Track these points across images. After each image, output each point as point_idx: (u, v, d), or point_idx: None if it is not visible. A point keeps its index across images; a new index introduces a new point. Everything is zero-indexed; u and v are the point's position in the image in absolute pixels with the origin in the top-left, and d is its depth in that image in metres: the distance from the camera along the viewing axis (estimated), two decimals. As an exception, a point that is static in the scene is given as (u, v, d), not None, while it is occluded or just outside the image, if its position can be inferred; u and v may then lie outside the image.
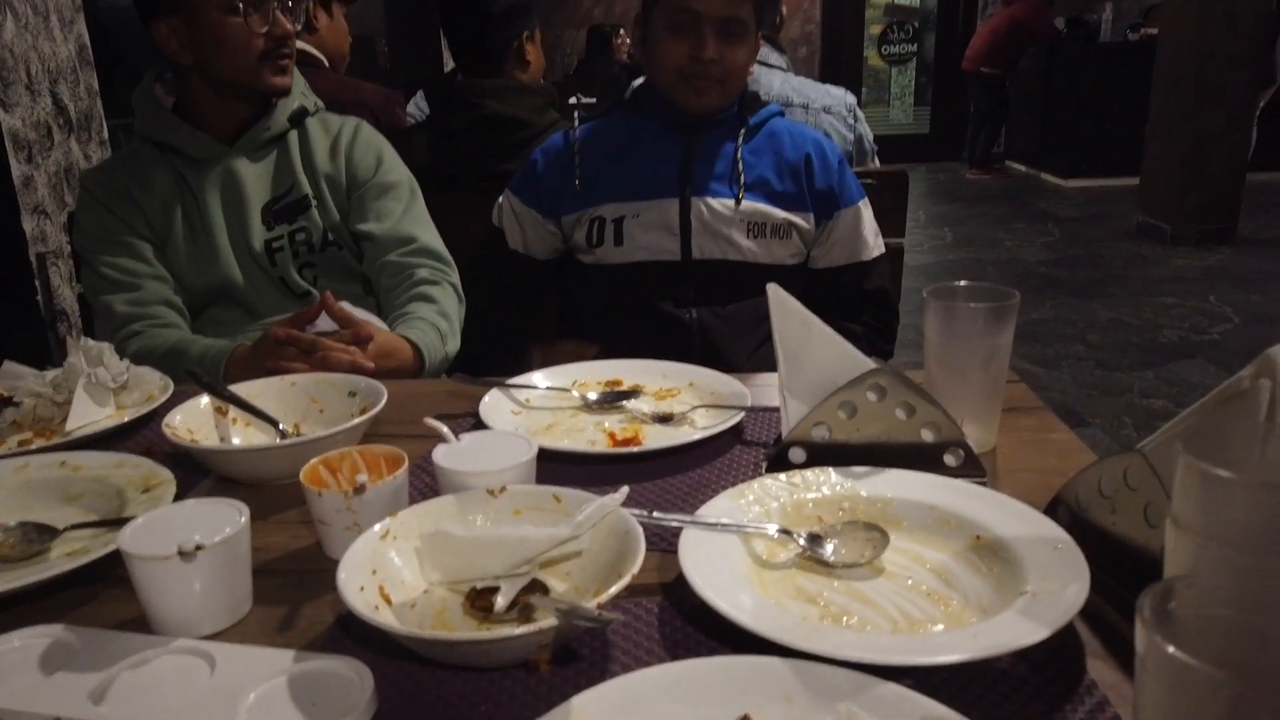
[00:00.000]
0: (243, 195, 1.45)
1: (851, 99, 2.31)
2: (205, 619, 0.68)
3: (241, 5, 1.37)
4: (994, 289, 0.95)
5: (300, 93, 1.53)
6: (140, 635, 0.67)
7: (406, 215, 1.53)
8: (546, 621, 0.60)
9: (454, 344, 1.47)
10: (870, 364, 0.89)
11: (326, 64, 2.23)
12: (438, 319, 1.44)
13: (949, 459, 0.87)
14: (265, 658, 0.63)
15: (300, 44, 2.16)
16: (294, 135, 1.51)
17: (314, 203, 1.49)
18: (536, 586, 0.69)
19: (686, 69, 1.48)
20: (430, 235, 1.55)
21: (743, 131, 1.56)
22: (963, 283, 0.96)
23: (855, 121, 2.31)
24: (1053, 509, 0.78)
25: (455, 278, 1.55)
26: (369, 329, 1.25)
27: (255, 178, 1.47)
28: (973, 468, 0.86)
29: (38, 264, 1.89)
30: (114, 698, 0.59)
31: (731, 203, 1.52)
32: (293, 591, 0.74)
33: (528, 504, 0.77)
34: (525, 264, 1.63)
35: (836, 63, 8.93)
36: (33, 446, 1.01)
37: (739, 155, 1.54)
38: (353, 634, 0.67)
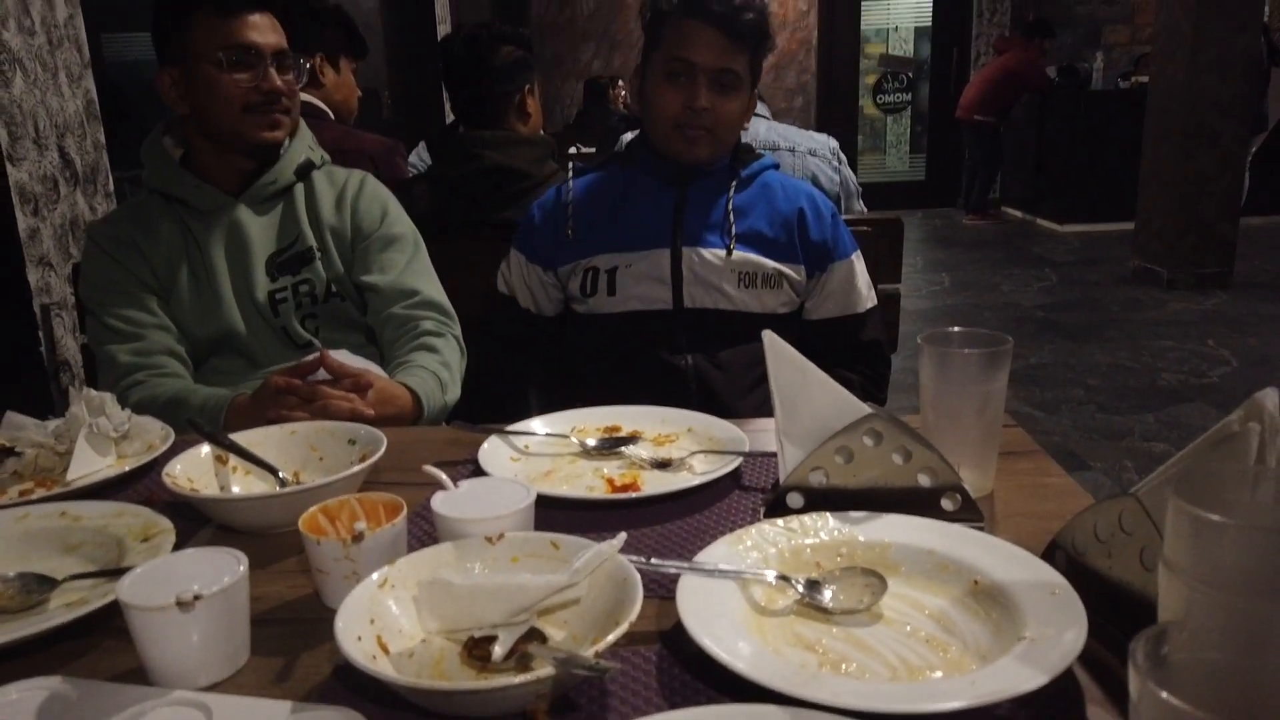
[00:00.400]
0: (247, 247, 1.47)
1: (835, 143, 2.36)
2: (203, 670, 0.68)
3: (232, 59, 1.40)
4: (988, 335, 0.96)
5: (307, 146, 1.56)
6: (138, 687, 0.66)
7: (410, 268, 1.55)
8: (544, 670, 0.60)
9: (454, 393, 1.48)
10: (866, 409, 0.89)
11: (332, 117, 2.27)
12: (439, 368, 1.45)
13: (946, 503, 0.87)
14: (262, 709, 0.63)
15: (307, 97, 2.21)
16: (300, 188, 1.53)
17: (318, 255, 1.51)
18: (534, 635, 0.69)
19: (680, 118, 1.50)
20: (434, 288, 1.57)
21: (734, 183, 1.58)
22: (956, 329, 0.97)
23: (840, 164, 2.36)
24: (1050, 554, 0.78)
25: (457, 330, 1.57)
26: (368, 376, 1.27)
27: (260, 229, 1.49)
28: (970, 512, 0.87)
29: (41, 315, 1.90)
30: (110, 750, 0.59)
31: (722, 253, 1.53)
32: (290, 641, 0.73)
33: (526, 551, 0.77)
34: (535, 321, 1.65)
35: (832, 112, 9.06)
36: (34, 496, 1.01)
37: (730, 206, 1.56)
38: (350, 684, 0.67)
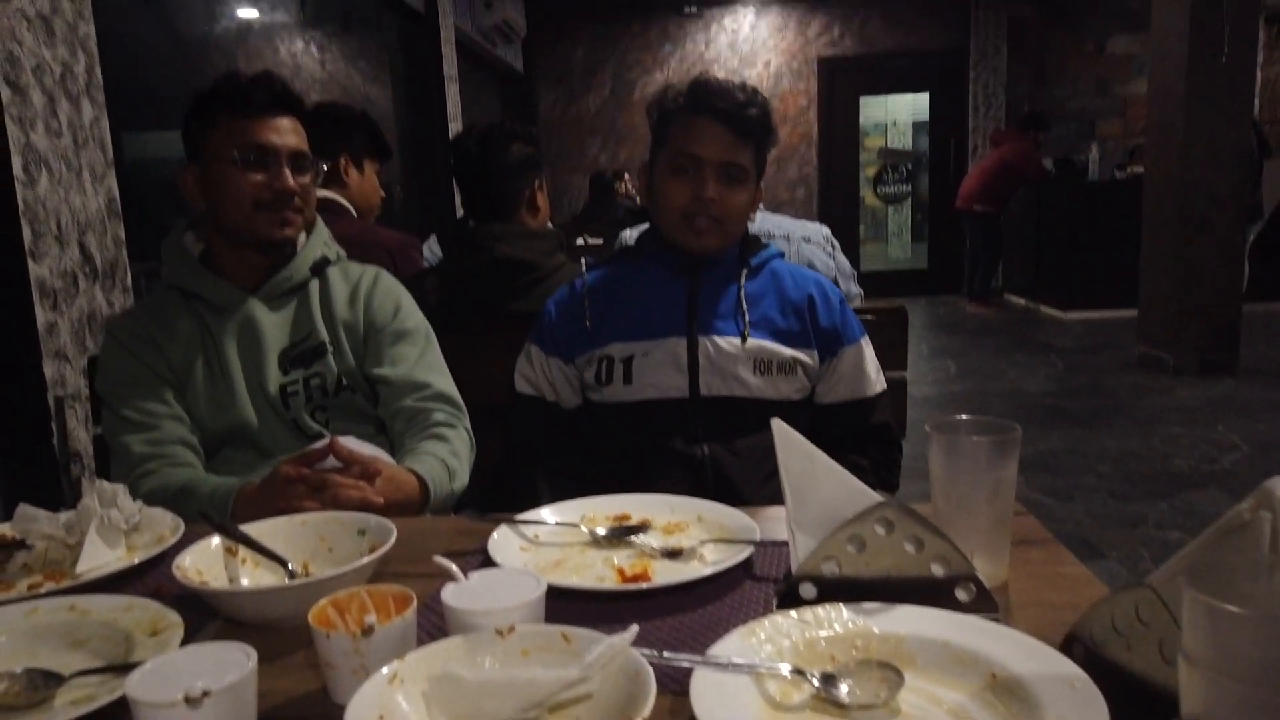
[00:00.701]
0: (261, 341, 1.50)
1: (827, 230, 2.44)
2: (209, 768, 0.67)
3: (248, 159, 1.45)
4: (995, 422, 0.97)
5: (323, 243, 1.60)
6: (142, 786, 0.65)
7: (421, 361, 1.57)
8: (556, 768, 0.59)
9: (461, 481, 1.48)
10: (876, 497, 0.89)
11: (355, 214, 2.35)
12: (448, 456, 1.46)
13: (960, 594, 0.86)
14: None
15: (332, 194, 2.29)
16: (315, 284, 1.57)
17: (330, 349, 1.53)
18: (546, 731, 0.68)
19: (688, 209, 1.54)
20: (445, 381, 1.59)
21: (744, 271, 1.61)
22: (964, 417, 0.98)
23: (834, 250, 2.42)
24: (1068, 646, 0.77)
25: (467, 422, 1.59)
26: (377, 463, 1.27)
27: (274, 325, 1.52)
28: (985, 603, 0.86)
29: (55, 407, 1.92)
30: None
31: (738, 340, 1.56)
32: (298, 739, 0.72)
33: (537, 644, 0.76)
34: (560, 416, 1.66)
35: (834, 203, 9.25)
36: (42, 590, 1.01)
37: (742, 294, 1.59)
38: (358, 783, 0.66)
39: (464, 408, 1.59)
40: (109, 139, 2.17)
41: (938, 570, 0.87)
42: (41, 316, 1.89)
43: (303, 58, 4.67)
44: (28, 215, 1.86)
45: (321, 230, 1.61)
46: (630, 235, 2.19)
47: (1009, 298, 8.48)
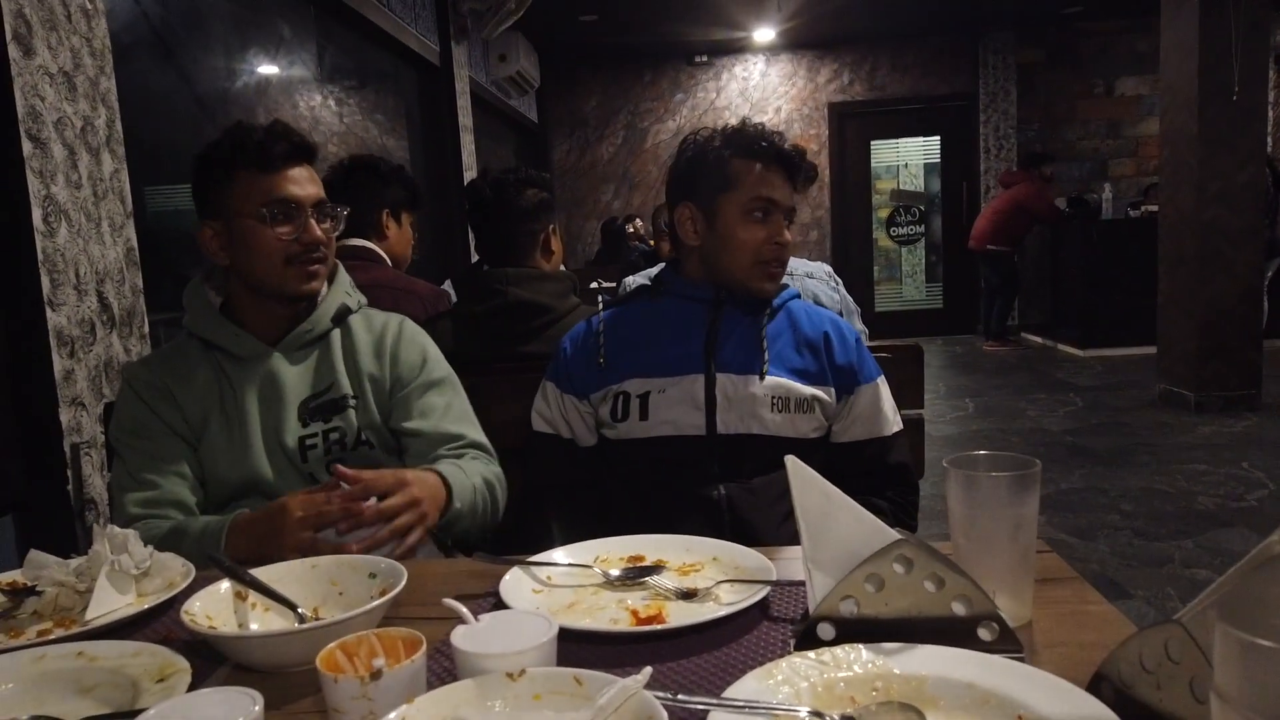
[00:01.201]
0: (281, 393, 1.48)
1: (829, 267, 2.47)
2: (212, 818, 0.65)
3: (275, 214, 1.44)
4: (1015, 458, 0.95)
5: (344, 291, 1.59)
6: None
7: (450, 413, 1.56)
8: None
9: (486, 504, 1.48)
10: (894, 535, 0.88)
11: (389, 263, 2.40)
12: (473, 475, 1.46)
13: (983, 633, 0.84)
14: None
15: (369, 244, 2.33)
16: (336, 333, 1.56)
17: (352, 403, 1.51)
18: (557, 777, 0.66)
19: (764, 253, 1.58)
20: (476, 431, 1.58)
21: (765, 311, 1.62)
22: (983, 452, 0.96)
23: (837, 285, 2.43)
24: (1095, 685, 0.75)
25: (499, 470, 1.57)
26: (385, 475, 1.28)
27: (295, 376, 1.50)
28: (1009, 642, 0.84)
29: (71, 454, 1.92)
30: None
31: (756, 378, 1.55)
32: (304, 787, 0.71)
33: (548, 688, 0.75)
34: (576, 454, 1.65)
35: (847, 245, 9.28)
36: (51, 636, 1.00)
37: (762, 333, 1.59)
38: (364, 832, 0.64)
39: (495, 456, 1.58)
40: (128, 191, 2.20)
41: (959, 609, 0.85)
42: (59, 364, 1.90)
43: (320, 110, 4.76)
44: (47, 265, 1.88)
45: (343, 278, 1.60)
46: (633, 281, 2.20)
47: (1026, 336, 8.44)
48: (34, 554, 1.12)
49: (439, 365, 1.61)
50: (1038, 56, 8.91)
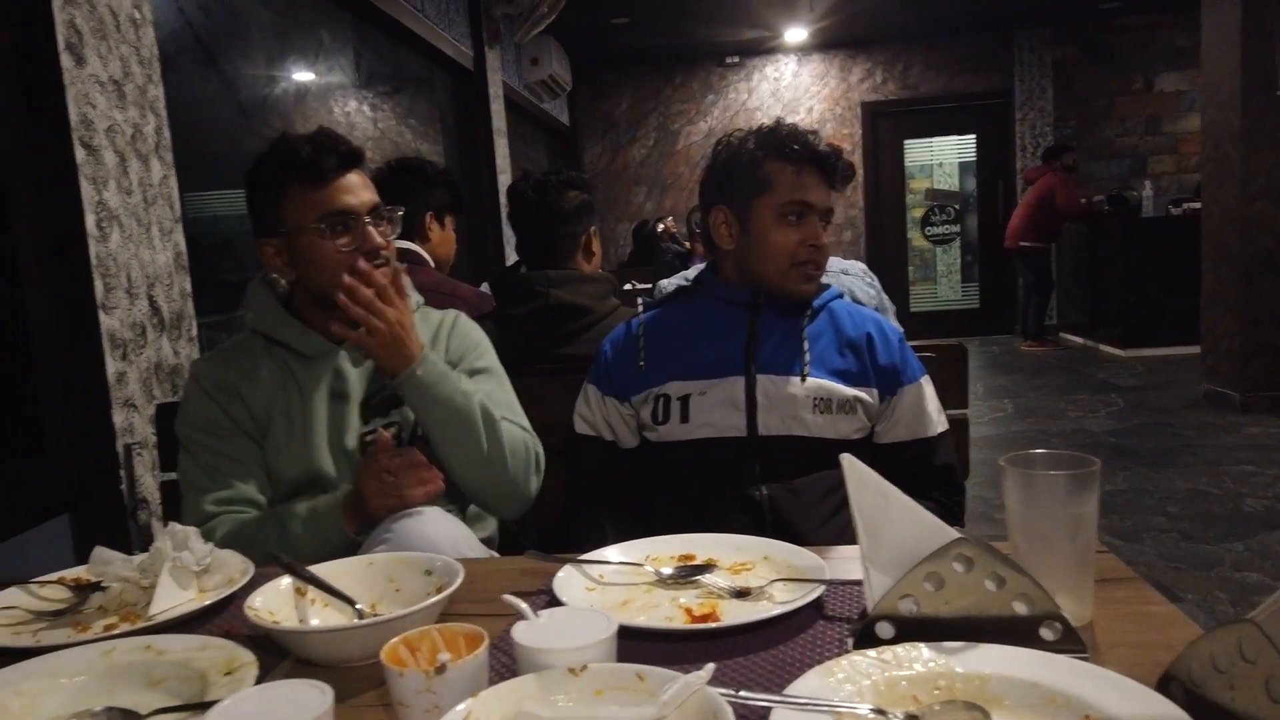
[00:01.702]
0: (345, 392, 1.50)
1: (863, 265, 2.45)
2: (285, 808, 0.66)
3: (333, 226, 1.44)
4: (1073, 456, 0.94)
5: (405, 290, 1.60)
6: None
7: (493, 398, 1.55)
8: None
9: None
10: (954, 533, 0.87)
11: (433, 265, 2.42)
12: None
13: (1046, 633, 0.83)
14: None
15: (413, 246, 2.35)
16: None
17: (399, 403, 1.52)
18: (624, 772, 0.66)
19: (798, 255, 1.57)
20: (516, 415, 1.58)
21: (806, 312, 1.61)
22: (1040, 451, 0.95)
23: (873, 280, 2.41)
24: (1164, 686, 0.74)
25: (540, 449, 1.57)
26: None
27: (357, 375, 1.52)
28: (1072, 642, 0.83)
29: (124, 454, 1.96)
30: None
31: (798, 380, 1.54)
32: (372, 779, 0.72)
33: (610, 683, 0.75)
34: (618, 456, 1.65)
35: (881, 244, 9.22)
36: (118, 630, 1.02)
37: (803, 334, 1.58)
38: (435, 824, 0.65)
39: (536, 437, 1.57)
40: (177, 196, 2.24)
41: (1020, 608, 0.84)
42: (111, 366, 1.94)
43: (355, 116, 4.81)
44: (100, 269, 1.92)
45: (404, 280, 1.61)
46: (668, 284, 2.20)
47: (1065, 336, 8.32)
48: (99, 550, 1.14)
49: (486, 355, 1.62)
50: (1074, 53, 8.80)
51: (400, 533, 1.26)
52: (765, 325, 1.59)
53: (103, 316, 1.94)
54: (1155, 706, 0.70)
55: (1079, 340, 8.08)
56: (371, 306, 1.42)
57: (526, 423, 1.59)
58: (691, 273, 2.16)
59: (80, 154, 1.89)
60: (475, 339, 1.63)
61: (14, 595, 1.15)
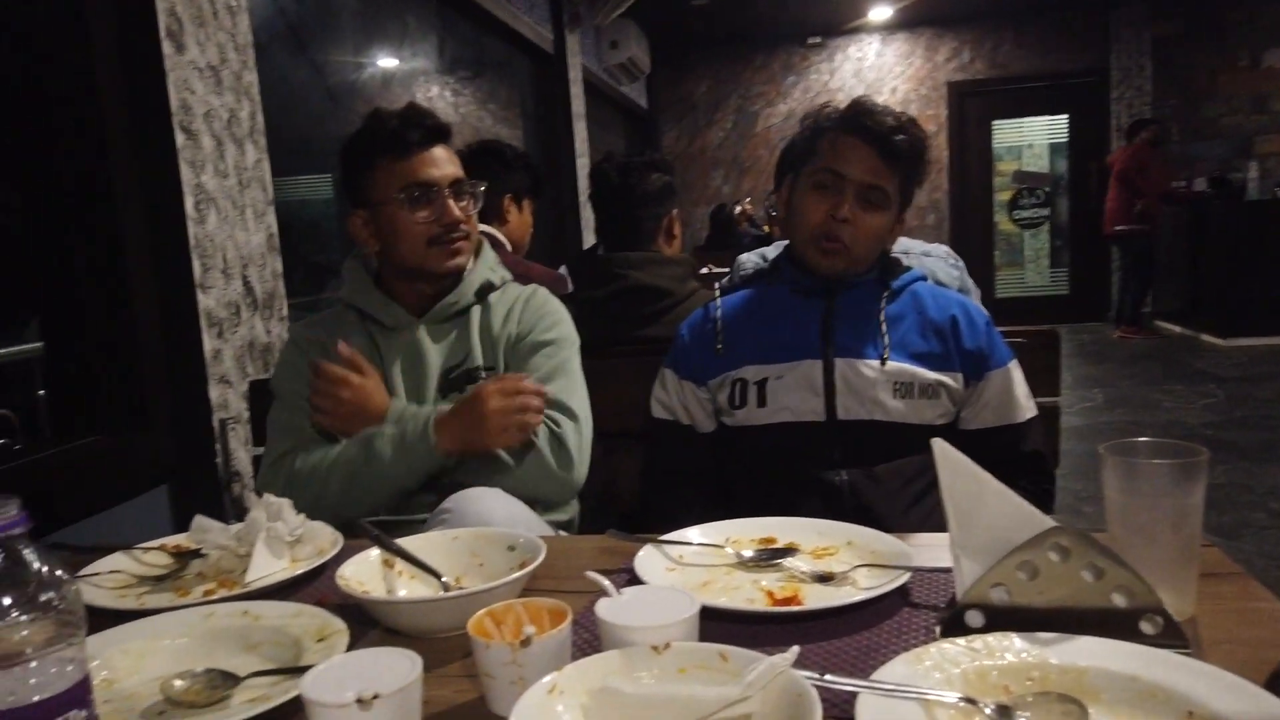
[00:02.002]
0: (423, 364, 1.54)
1: (947, 248, 2.37)
2: (376, 771, 0.68)
3: (414, 196, 1.50)
4: (1177, 445, 0.90)
5: (489, 268, 1.63)
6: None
7: (547, 370, 1.55)
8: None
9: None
10: (1049, 521, 0.84)
11: (509, 248, 2.45)
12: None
13: (1146, 626, 0.80)
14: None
15: (490, 229, 2.38)
16: (477, 309, 1.60)
17: (484, 374, 1.55)
18: (707, 750, 0.66)
19: (819, 228, 1.52)
20: (566, 389, 1.54)
21: (885, 294, 1.57)
22: (1144, 439, 0.91)
23: (957, 262, 2.34)
24: (1273, 684, 0.70)
25: (575, 430, 1.51)
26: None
27: (436, 348, 1.56)
28: (1174, 636, 0.79)
29: (220, 429, 2.04)
30: None
31: (877, 364, 1.51)
32: (458, 747, 0.73)
33: (693, 662, 0.75)
34: (696, 439, 1.65)
35: (966, 228, 8.98)
36: (216, 596, 1.06)
37: (882, 316, 1.55)
38: (520, 794, 0.65)
39: (577, 415, 1.53)
40: (269, 179, 2.31)
41: (1120, 601, 0.81)
42: (208, 344, 2.02)
43: (438, 101, 4.88)
44: (198, 250, 1.99)
45: (488, 255, 1.64)
46: (747, 259, 2.17)
47: (1161, 324, 7.99)
48: (199, 519, 1.19)
49: (556, 327, 1.61)
50: (1175, 28, 8.39)
51: (459, 511, 1.27)
52: (843, 307, 1.56)
53: (200, 296, 2.01)
54: (1264, 705, 0.67)
55: (1176, 329, 7.75)
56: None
57: (576, 394, 1.55)
58: (770, 251, 2.13)
59: (180, 138, 1.96)
60: (547, 311, 1.63)
61: (119, 560, 1.20)
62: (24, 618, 0.61)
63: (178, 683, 0.82)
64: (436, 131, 1.54)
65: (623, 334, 2.03)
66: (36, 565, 0.62)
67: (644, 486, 1.71)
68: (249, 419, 2.09)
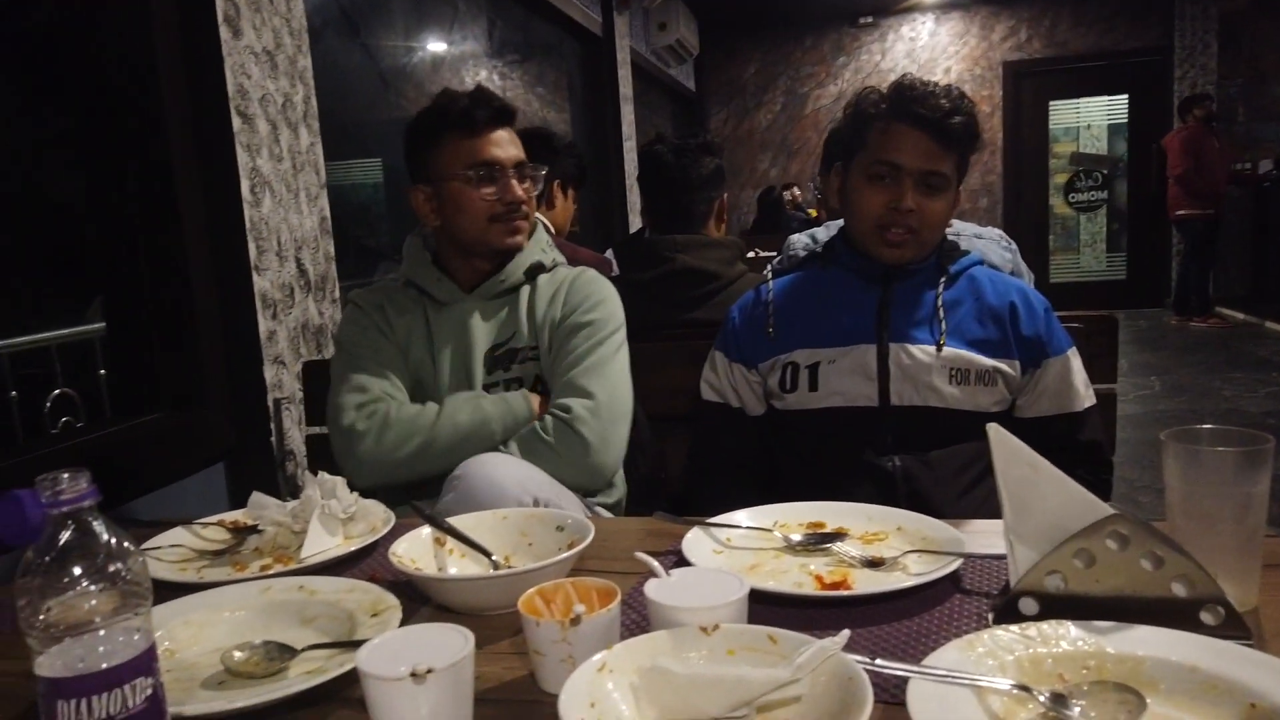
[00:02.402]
0: (470, 340, 1.57)
1: (1000, 231, 2.32)
2: (429, 744, 0.69)
3: (479, 175, 1.54)
4: (1241, 432, 0.88)
5: (540, 249, 1.65)
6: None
7: (579, 353, 1.54)
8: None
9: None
10: (1107, 509, 0.82)
11: (554, 232, 2.51)
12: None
13: (1206, 616, 0.78)
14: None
15: (536, 214, 2.40)
16: (526, 288, 1.63)
17: (531, 353, 1.58)
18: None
19: (883, 219, 1.49)
20: (589, 373, 1.52)
21: (942, 279, 1.54)
22: (1206, 426, 0.89)
23: (1010, 244, 2.29)
24: (1343, 679, 0.68)
25: (581, 414, 1.48)
26: None
27: (485, 325, 1.59)
28: (1236, 627, 0.77)
29: (274, 408, 2.08)
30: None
31: (933, 349, 1.49)
32: (509, 722, 0.74)
33: (742, 643, 0.75)
34: (745, 422, 1.64)
35: (1020, 211, 8.80)
36: (272, 571, 1.09)
37: (939, 302, 1.52)
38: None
39: (600, 398, 1.50)
40: (322, 163, 2.34)
41: (1179, 590, 0.79)
42: (263, 325, 2.05)
43: (486, 85, 4.90)
44: (254, 233, 2.03)
45: (540, 237, 1.67)
46: (798, 241, 2.15)
47: (1223, 311, 7.76)
48: (256, 496, 1.22)
49: (597, 309, 1.59)
50: (1243, 3, 8.10)
51: (468, 476, 1.27)
52: (899, 292, 1.54)
53: (255, 278, 2.05)
54: (1334, 701, 0.65)
55: (1238, 315, 7.52)
56: None
57: (599, 385, 1.52)
58: (820, 233, 2.10)
59: (237, 122, 1.99)
60: (591, 292, 1.62)
61: (179, 535, 1.24)
62: (93, 587, 0.63)
63: (237, 654, 0.84)
64: (503, 113, 1.58)
65: (670, 318, 2.03)
66: (105, 537, 0.64)
67: (691, 469, 1.71)
68: (302, 399, 2.12)
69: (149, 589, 0.66)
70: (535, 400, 1.53)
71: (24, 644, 0.63)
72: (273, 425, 2.09)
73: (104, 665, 0.62)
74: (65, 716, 0.62)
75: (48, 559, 0.63)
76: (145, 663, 0.65)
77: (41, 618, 0.62)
